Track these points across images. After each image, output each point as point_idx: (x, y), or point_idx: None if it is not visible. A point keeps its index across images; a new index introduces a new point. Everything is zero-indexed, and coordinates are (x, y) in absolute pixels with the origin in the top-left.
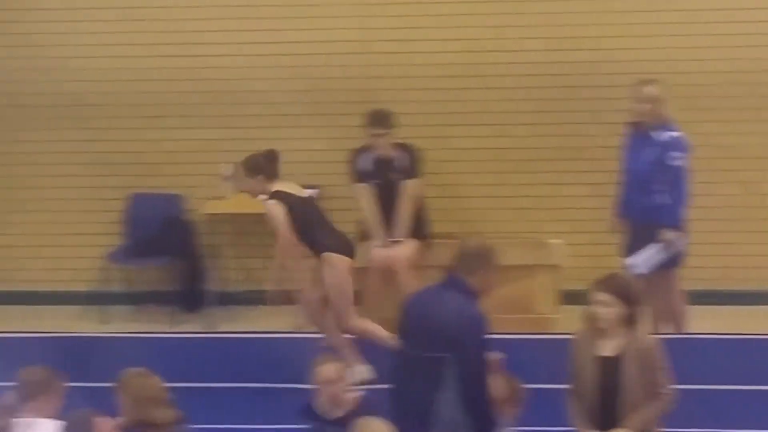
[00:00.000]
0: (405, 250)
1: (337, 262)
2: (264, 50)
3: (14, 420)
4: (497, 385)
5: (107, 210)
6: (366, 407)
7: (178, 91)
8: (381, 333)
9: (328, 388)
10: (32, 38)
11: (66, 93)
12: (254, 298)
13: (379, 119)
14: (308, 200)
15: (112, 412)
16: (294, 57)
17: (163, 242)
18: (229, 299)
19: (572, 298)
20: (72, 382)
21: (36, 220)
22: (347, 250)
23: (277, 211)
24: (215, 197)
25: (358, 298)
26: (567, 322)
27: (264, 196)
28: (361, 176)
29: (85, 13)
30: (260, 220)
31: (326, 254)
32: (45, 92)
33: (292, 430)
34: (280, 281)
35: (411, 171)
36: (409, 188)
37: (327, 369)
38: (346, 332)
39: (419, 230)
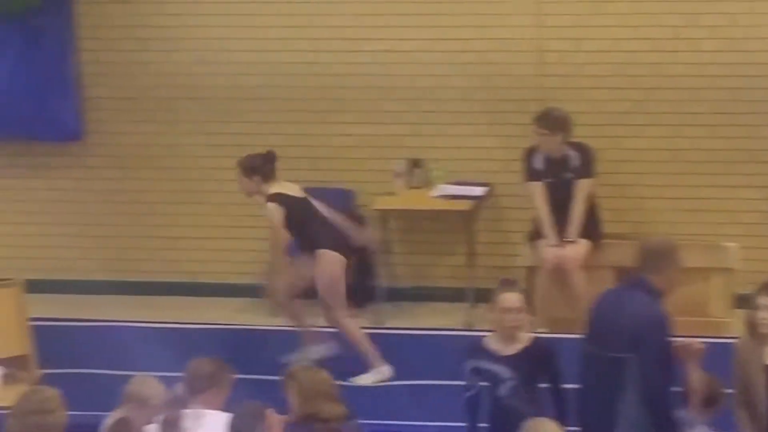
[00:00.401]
0: (577, 249)
1: (329, 259)
2: (438, 47)
3: (184, 411)
4: (695, 376)
5: None
6: (540, 347)
7: (351, 86)
8: (363, 341)
9: (508, 316)
10: (206, 31)
11: (239, 86)
12: (423, 295)
13: (546, 119)
14: (305, 200)
15: (279, 406)
16: (468, 54)
17: None
18: (397, 295)
19: (746, 302)
20: (240, 374)
21: (207, 212)
22: (342, 247)
23: (277, 215)
24: (386, 193)
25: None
26: (740, 326)
27: (260, 197)
28: (533, 175)
29: (258, 7)
30: (430, 216)
31: (320, 251)
32: (219, 85)
33: (459, 428)
34: (277, 279)
35: (584, 170)
36: (582, 188)
37: (511, 296)
38: (335, 326)
39: (592, 230)
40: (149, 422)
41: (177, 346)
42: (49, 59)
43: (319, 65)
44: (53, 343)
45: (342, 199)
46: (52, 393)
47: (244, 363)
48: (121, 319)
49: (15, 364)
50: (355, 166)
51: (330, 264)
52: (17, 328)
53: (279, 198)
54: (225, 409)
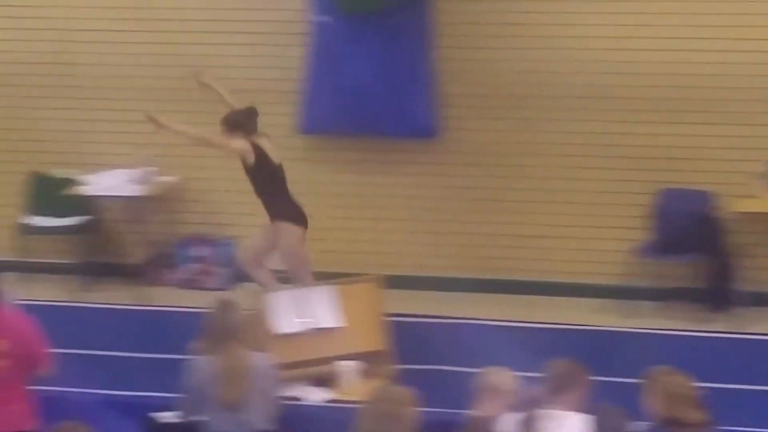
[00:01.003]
0: None
1: (289, 230)
2: None
3: (540, 411)
4: None
5: (634, 204)
6: None
7: (714, 86)
8: None
9: None
10: (562, 29)
11: (596, 85)
12: None
13: None
14: (278, 166)
15: (631, 409)
16: None
17: (691, 239)
18: (760, 300)
19: None
20: (594, 376)
21: (561, 212)
22: (300, 220)
23: (242, 144)
24: (748, 195)
25: None
26: None
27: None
28: None
29: (617, 5)
30: None
31: (279, 222)
32: (574, 84)
33: None
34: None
35: None
36: None
37: None
38: None
39: None
40: (502, 413)
41: (530, 346)
42: (407, 57)
43: (680, 65)
44: (409, 340)
45: (701, 201)
46: (405, 390)
47: (598, 364)
48: (474, 317)
49: (371, 359)
50: (715, 168)
51: (288, 237)
52: (374, 324)
53: (255, 146)
54: (584, 411)
